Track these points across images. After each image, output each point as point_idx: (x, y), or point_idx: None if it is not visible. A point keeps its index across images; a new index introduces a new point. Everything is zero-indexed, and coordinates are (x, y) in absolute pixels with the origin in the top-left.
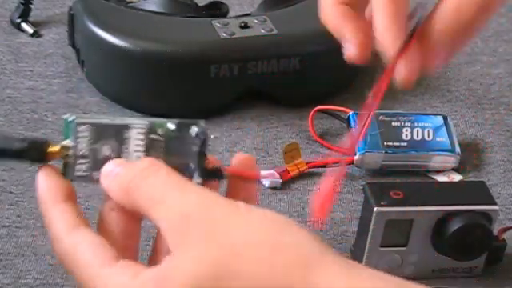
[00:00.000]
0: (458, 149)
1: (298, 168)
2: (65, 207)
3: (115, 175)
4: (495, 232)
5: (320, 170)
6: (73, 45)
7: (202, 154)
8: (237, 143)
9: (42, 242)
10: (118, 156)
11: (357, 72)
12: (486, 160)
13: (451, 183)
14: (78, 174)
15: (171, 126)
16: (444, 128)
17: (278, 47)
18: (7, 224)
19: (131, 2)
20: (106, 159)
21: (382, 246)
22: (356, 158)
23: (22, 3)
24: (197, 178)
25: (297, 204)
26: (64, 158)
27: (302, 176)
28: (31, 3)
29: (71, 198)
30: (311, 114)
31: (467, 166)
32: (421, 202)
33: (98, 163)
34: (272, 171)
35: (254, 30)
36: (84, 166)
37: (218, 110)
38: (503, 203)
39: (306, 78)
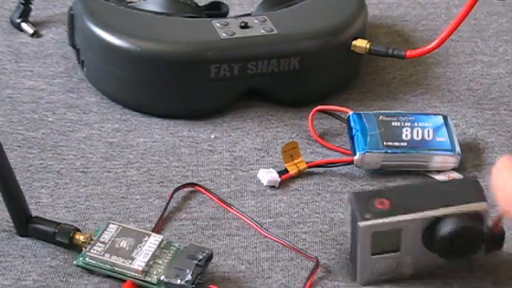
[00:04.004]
0: (458, 149)
1: (298, 167)
2: None
3: None
4: (490, 224)
5: (320, 169)
6: (73, 45)
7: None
8: (237, 143)
9: (42, 244)
10: (132, 250)
11: (357, 72)
12: (486, 160)
13: (439, 183)
14: (92, 253)
15: (180, 247)
16: (444, 128)
17: (278, 47)
18: (7, 225)
19: (131, 2)
20: (120, 249)
21: (373, 254)
22: (356, 157)
23: (22, 3)
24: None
25: (296, 205)
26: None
27: (302, 176)
28: (31, 3)
29: None
30: (311, 113)
31: (467, 166)
32: (407, 209)
33: (111, 250)
34: (271, 169)
35: (254, 29)
36: (100, 249)
37: (217, 110)
38: None
39: (306, 77)
